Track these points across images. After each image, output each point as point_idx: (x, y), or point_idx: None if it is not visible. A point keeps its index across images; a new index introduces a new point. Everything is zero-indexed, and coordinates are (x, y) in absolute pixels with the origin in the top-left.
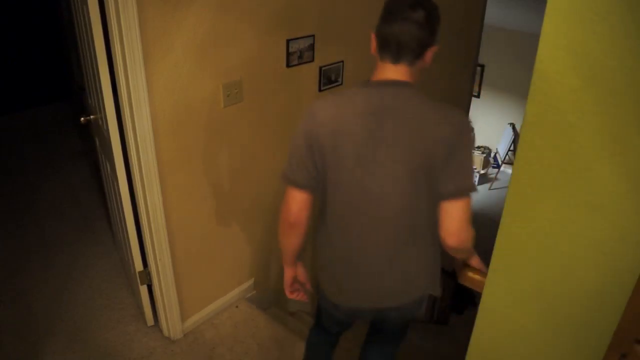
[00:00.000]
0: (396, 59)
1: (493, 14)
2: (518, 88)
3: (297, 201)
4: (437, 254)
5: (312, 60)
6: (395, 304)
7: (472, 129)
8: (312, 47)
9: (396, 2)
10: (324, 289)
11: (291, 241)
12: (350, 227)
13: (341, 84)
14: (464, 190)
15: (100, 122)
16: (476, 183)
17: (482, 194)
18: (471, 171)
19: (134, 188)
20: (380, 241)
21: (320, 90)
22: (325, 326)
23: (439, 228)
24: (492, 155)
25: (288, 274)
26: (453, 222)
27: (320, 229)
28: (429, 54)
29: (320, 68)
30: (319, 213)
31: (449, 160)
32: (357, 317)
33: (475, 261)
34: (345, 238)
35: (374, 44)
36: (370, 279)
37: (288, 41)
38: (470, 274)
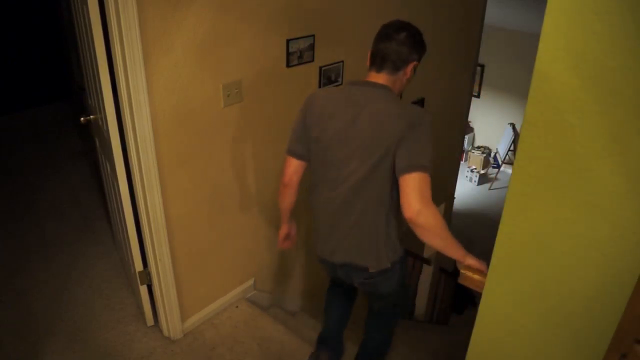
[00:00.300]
0: (379, 68)
1: (493, 14)
2: (518, 88)
3: (291, 166)
4: (383, 234)
5: (312, 60)
6: (354, 263)
7: (426, 121)
8: (312, 47)
9: (386, 27)
10: (315, 245)
11: (285, 200)
12: (324, 196)
13: (341, 84)
14: (414, 166)
15: (100, 122)
16: (429, 164)
17: (482, 194)
18: (424, 154)
19: (134, 188)
20: (342, 210)
21: None
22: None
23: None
24: (492, 155)
25: (282, 230)
26: (406, 193)
27: (310, 195)
28: (409, 68)
29: (320, 68)
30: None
31: (403, 144)
32: (336, 272)
33: (470, 261)
34: (322, 205)
35: (368, 58)
36: (336, 241)
37: (288, 41)
38: (470, 274)
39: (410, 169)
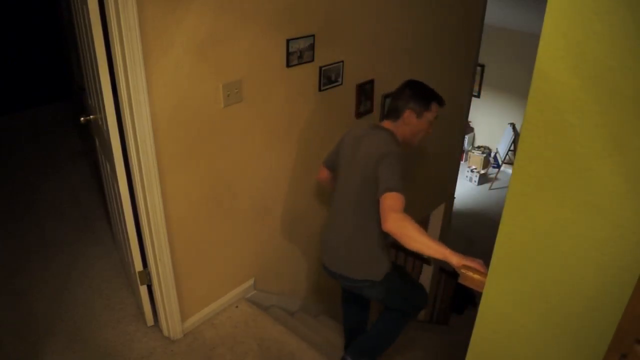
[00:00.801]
0: (386, 117)
1: (493, 14)
2: (518, 88)
3: (323, 173)
4: (375, 248)
5: (312, 60)
6: (345, 274)
7: (394, 152)
8: (312, 47)
9: (398, 87)
10: (321, 253)
11: (325, 186)
12: (332, 210)
13: (341, 84)
14: (385, 189)
15: (100, 122)
16: (398, 184)
17: (482, 194)
18: (392, 177)
19: (134, 188)
20: (342, 224)
21: (320, 90)
22: None
23: None
24: (492, 155)
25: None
26: (381, 211)
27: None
28: (406, 115)
29: (320, 68)
30: None
31: (378, 170)
32: (335, 278)
33: (461, 261)
34: (330, 219)
35: None
36: (334, 250)
37: (288, 41)
38: (471, 274)
39: (382, 191)
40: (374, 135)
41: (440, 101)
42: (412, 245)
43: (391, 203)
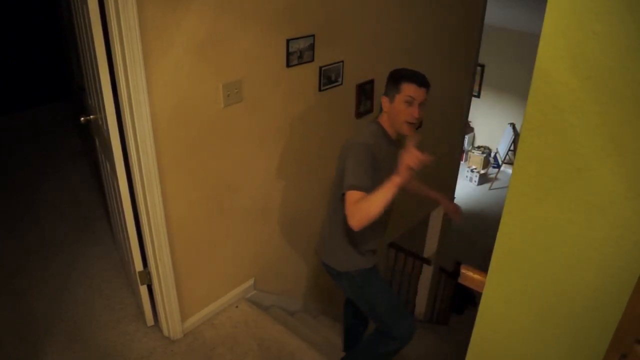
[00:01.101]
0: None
1: (493, 14)
2: (518, 88)
3: None
4: (340, 236)
5: (312, 60)
6: (321, 258)
7: (353, 148)
8: (312, 47)
9: None
10: None
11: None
12: None
13: (341, 84)
14: (346, 186)
15: (100, 122)
16: (357, 180)
17: (482, 194)
18: (350, 175)
19: (134, 188)
20: (326, 215)
21: (320, 90)
22: None
23: None
24: (492, 155)
25: None
26: (345, 210)
27: None
28: (382, 102)
29: (320, 68)
30: None
31: (344, 166)
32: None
33: (399, 179)
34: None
35: None
36: (320, 235)
37: (288, 41)
38: (471, 274)
39: (345, 188)
40: (358, 131)
41: (413, 79)
42: (378, 209)
43: (349, 200)
